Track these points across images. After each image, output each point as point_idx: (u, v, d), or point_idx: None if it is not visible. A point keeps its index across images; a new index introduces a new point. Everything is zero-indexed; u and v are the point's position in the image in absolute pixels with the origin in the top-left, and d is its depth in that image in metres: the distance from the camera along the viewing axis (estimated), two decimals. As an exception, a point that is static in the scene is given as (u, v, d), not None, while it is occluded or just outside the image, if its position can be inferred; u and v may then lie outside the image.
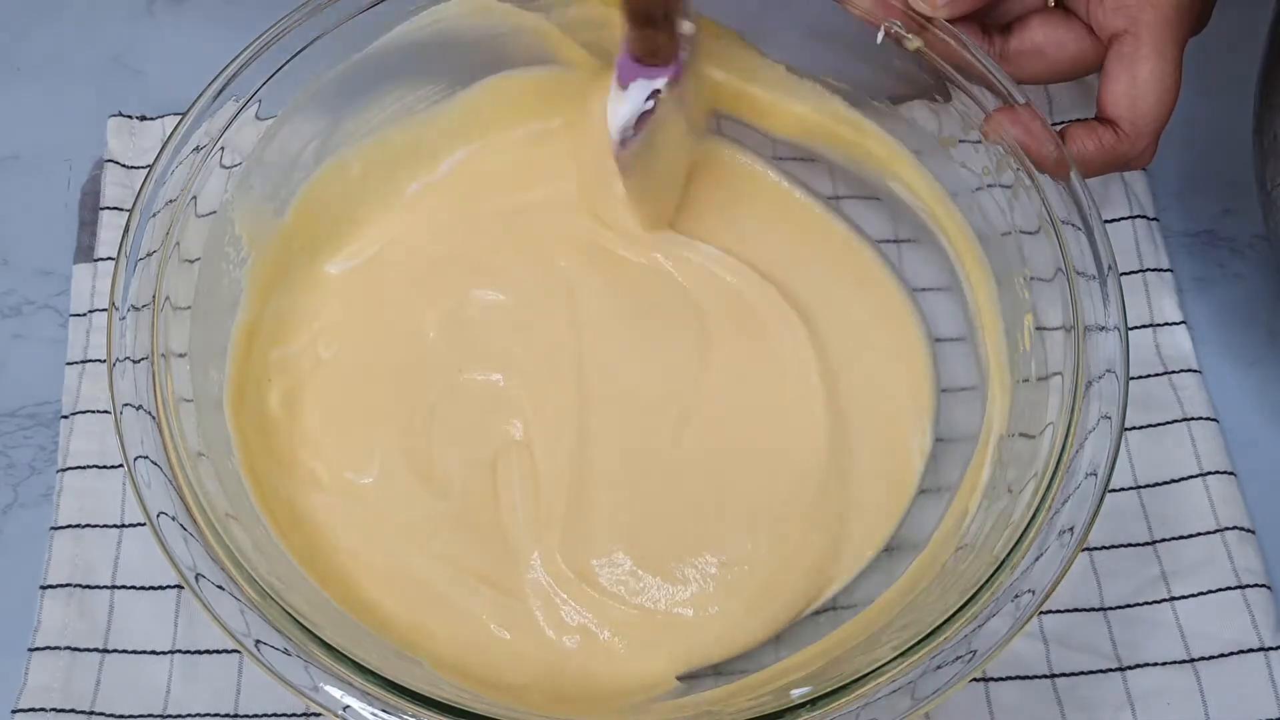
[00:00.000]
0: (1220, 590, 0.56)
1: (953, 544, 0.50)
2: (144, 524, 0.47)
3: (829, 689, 0.43)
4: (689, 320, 0.58)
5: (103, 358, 0.59)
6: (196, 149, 0.53)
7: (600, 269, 0.59)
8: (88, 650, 0.56)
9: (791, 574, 0.53)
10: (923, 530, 0.54)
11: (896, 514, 0.55)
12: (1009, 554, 0.45)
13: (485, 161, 0.61)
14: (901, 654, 0.44)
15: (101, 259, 0.64)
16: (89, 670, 0.55)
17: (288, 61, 0.54)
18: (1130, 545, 0.58)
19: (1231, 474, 0.59)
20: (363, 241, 0.60)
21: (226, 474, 0.50)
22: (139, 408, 0.48)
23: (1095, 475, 0.47)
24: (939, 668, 0.44)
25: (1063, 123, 0.67)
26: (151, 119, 0.67)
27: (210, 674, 0.55)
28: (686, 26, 0.54)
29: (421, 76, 0.59)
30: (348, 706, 0.43)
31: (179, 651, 0.56)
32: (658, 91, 0.54)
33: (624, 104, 0.54)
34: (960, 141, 0.55)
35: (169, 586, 0.57)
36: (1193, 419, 0.60)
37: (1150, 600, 0.57)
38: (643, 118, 0.54)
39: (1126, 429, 0.58)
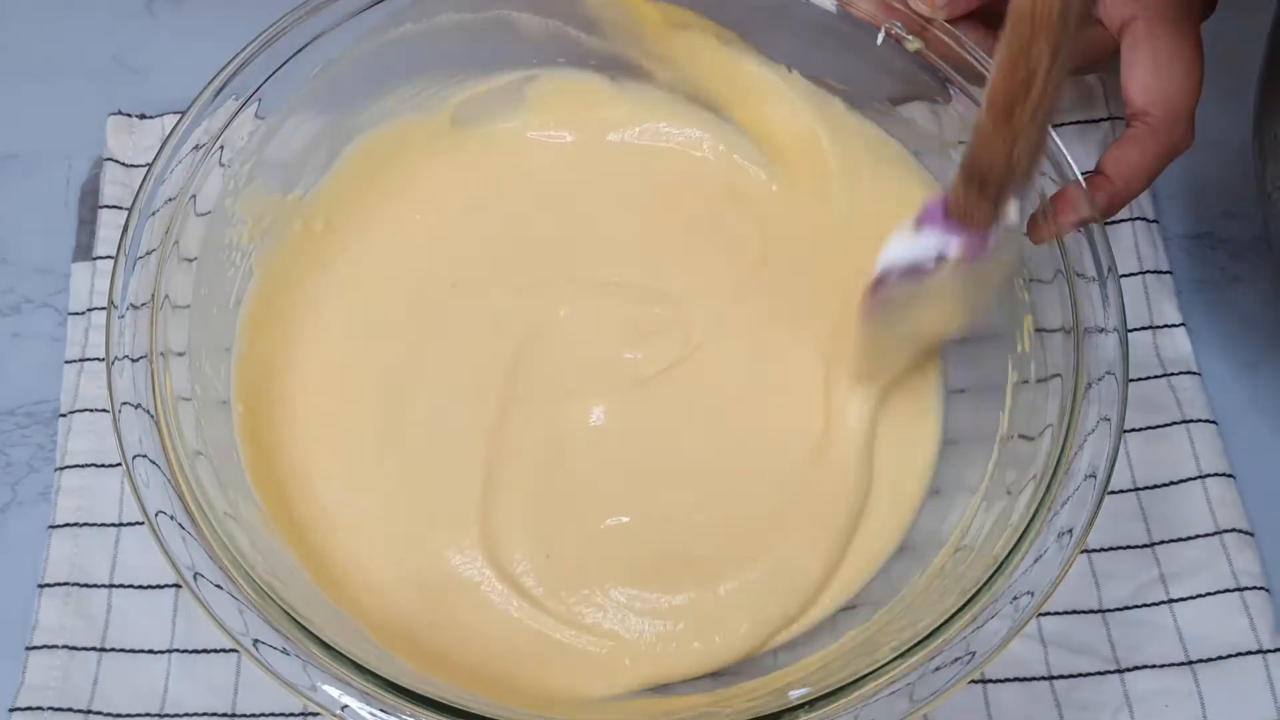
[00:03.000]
0: (1219, 593, 0.56)
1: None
2: (142, 523, 0.47)
3: (827, 690, 0.43)
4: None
5: (101, 356, 0.59)
6: (196, 148, 0.53)
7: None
8: (85, 649, 0.56)
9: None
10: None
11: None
12: (1008, 556, 0.45)
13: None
14: (900, 655, 0.44)
15: (100, 257, 0.64)
16: (87, 669, 0.55)
17: (287, 60, 0.54)
18: (1129, 547, 0.58)
19: (1230, 476, 0.59)
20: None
21: (226, 473, 0.50)
22: (138, 406, 0.48)
23: (1094, 477, 0.47)
24: (938, 669, 0.44)
25: (1062, 124, 0.67)
26: (151, 118, 0.67)
27: (208, 673, 0.55)
28: (1013, 217, 0.47)
29: (421, 72, 0.59)
30: (346, 706, 0.43)
31: (177, 650, 0.56)
32: (943, 258, 0.48)
33: (905, 245, 0.49)
34: (960, 142, 0.55)
35: (167, 585, 0.57)
36: (1192, 421, 0.60)
37: (1149, 602, 0.57)
38: (913, 273, 0.49)
39: (1126, 431, 0.58)
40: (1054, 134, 0.53)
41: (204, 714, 0.55)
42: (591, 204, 0.61)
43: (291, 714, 0.55)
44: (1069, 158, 0.52)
